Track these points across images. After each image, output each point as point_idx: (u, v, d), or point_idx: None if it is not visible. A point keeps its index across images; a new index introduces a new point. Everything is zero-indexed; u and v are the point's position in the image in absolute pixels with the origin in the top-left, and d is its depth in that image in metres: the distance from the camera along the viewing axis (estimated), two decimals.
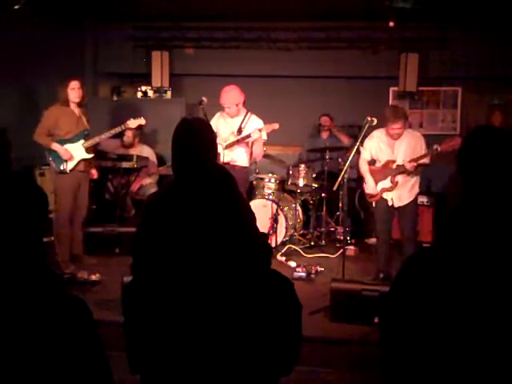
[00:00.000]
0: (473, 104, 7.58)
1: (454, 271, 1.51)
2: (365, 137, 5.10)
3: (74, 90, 5.13)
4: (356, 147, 5.01)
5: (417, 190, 5.12)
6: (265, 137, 5.24)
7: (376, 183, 5.12)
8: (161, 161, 7.13)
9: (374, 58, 7.39)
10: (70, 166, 5.20)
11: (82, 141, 5.26)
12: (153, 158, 6.98)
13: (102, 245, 5.70)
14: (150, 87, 7.70)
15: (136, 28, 7.68)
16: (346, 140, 6.96)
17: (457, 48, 7.16)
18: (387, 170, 5.08)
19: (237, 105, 5.20)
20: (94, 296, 4.58)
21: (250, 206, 2.30)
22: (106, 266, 5.29)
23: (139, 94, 7.79)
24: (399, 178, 5.06)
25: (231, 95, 5.16)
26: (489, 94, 7.48)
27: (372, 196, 5.16)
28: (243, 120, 5.23)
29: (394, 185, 5.04)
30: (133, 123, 5.62)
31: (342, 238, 6.20)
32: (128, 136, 6.81)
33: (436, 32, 7.20)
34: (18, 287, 1.39)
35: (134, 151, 6.84)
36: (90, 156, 5.34)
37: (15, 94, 6.30)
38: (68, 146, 5.19)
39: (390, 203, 5.07)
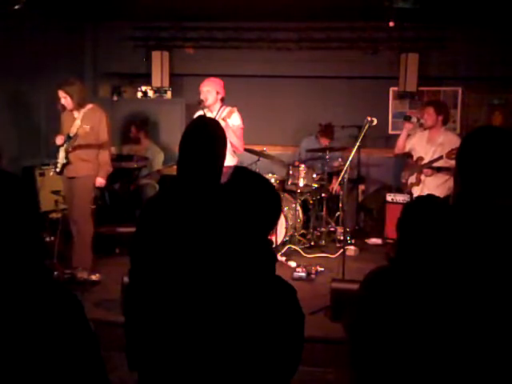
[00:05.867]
0: (473, 104, 7.58)
1: (451, 272, 1.51)
2: (365, 137, 5.15)
3: (62, 100, 5.03)
4: (356, 147, 5.04)
5: (449, 187, 5.20)
6: (235, 123, 4.90)
7: (408, 176, 5.64)
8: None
9: (373, 58, 7.38)
10: (57, 169, 5.11)
11: (65, 145, 5.10)
12: (158, 159, 7.04)
13: (102, 245, 5.69)
14: (150, 87, 7.71)
15: (136, 28, 7.69)
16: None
17: (457, 48, 7.16)
18: (415, 166, 5.54)
19: (217, 92, 4.95)
20: (94, 296, 4.59)
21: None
22: (106, 266, 5.29)
23: (139, 94, 7.80)
24: (425, 176, 5.47)
25: (215, 81, 5.00)
26: (489, 94, 7.48)
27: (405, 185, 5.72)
28: (217, 113, 4.99)
29: (418, 181, 5.50)
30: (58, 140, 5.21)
31: (342, 238, 6.20)
32: (133, 132, 7.23)
33: (436, 32, 7.20)
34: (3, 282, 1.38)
35: (141, 147, 7.11)
36: (66, 161, 5.06)
37: (15, 94, 6.30)
38: (60, 151, 5.11)
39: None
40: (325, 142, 7.06)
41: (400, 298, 1.56)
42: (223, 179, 2.29)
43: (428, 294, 1.51)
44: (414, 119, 5.55)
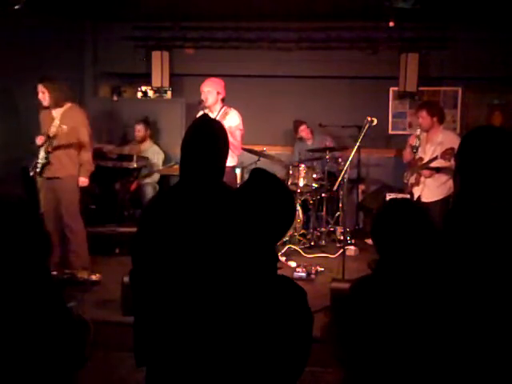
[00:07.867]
0: (473, 104, 7.58)
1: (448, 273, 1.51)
2: (365, 137, 5.14)
3: (39, 94, 4.98)
4: (356, 147, 5.05)
5: (450, 187, 5.16)
6: (232, 124, 4.86)
7: (410, 177, 5.56)
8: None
9: (374, 58, 7.38)
10: (38, 169, 5.03)
11: (45, 145, 5.02)
12: (158, 159, 7.04)
13: (102, 245, 5.69)
14: (150, 87, 7.71)
15: (136, 28, 7.68)
16: (330, 143, 6.98)
17: (457, 48, 7.15)
18: (415, 166, 5.47)
19: (218, 93, 4.95)
20: (94, 296, 4.59)
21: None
22: (106, 266, 5.29)
23: (139, 94, 7.80)
24: (424, 178, 5.39)
25: (216, 81, 5.00)
26: (489, 93, 7.48)
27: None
28: (218, 114, 4.98)
29: (417, 182, 5.43)
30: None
31: (341, 238, 6.20)
32: (138, 130, 7.12)
33: (436, 32, 7.20)
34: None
35: (141, 147, 7.08)
36: (45, 160, 5.00)
37: (16, 94, 6.29)
38: (40, 151, 5.05)
39: (415, 198, 5.35)
40: (308, 136, 7.21)
41: (382, 302, 1.56)
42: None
43: (410, 298, 1.52)
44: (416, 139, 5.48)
